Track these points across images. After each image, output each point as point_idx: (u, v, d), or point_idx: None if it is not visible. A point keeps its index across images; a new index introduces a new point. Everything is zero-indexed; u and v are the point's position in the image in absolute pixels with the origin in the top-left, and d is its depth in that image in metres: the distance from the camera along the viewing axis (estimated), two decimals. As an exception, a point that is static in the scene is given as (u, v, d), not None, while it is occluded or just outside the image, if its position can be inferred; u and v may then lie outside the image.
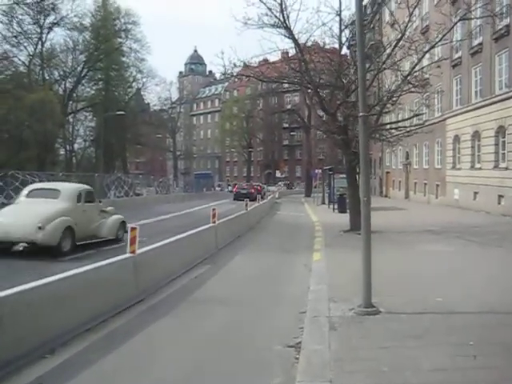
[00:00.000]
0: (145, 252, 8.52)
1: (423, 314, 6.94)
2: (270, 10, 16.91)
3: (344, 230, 18.14)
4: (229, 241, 15.49)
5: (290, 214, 30.14)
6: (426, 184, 37.61)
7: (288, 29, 17.20)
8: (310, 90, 18.63)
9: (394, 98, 17.00)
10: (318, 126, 22.63)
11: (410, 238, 16.11)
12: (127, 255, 7.94)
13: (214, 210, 14.13)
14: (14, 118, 42.56)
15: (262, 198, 36.32)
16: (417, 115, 18.03)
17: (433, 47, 16.62)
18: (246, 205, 20.69)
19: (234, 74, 18.02)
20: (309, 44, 17.83)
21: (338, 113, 17.99)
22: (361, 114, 6.99)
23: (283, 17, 16.89)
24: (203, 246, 12.78)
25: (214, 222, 13.98)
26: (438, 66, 19.79)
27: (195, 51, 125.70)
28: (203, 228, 13.29)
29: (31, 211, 12.85)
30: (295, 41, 17.31)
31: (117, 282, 7.45)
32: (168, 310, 7.66)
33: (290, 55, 19.58)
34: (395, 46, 15.96)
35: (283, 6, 16.64)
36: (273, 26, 17.33)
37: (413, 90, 17.29)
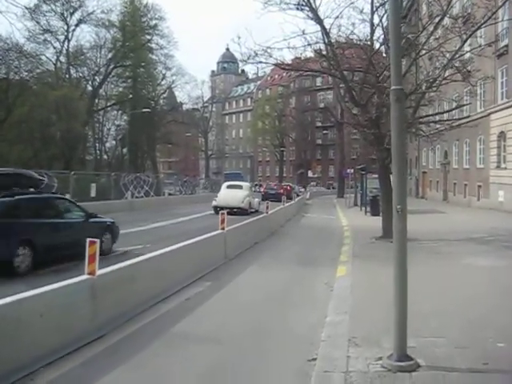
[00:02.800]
0: (112, 272, 6.67)
1: (483, 374, 4.89)
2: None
3: (376, 237, 16.08)
4: (242, 249, 13.57)
5: (319, 217, 28.09)
6: (466, 185, 35.02)
7: (313, 10, 15.20)
8: (337, 79, 16.53)
9: (434, 87, 14.81)
10: (348, 119, 20.53)
11: (451, 249, 13.89)
12: (82, 277, 6.09)
13: (222, 214, 12.22)
14: (37, 116, 41.53)
15: (288, 199, 34.40)
16: (459, 106, 15.77)
17: (479, 27, 14.35)
18: (267, 207, 18.75)
19: (254, 61, 16.00)
20: (335, 28, 15.65)
21: (369, 105, 15.90)
22: (393, 87, 4.99)
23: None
24: (207, 256, 10.90)
25: (223, 229, 12.08)
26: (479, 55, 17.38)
27: (227, 50, 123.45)
28: (208, 236, 11.42)
29: (235, 194, 27.22)
30: (321, 23, 15.28)
31: (62, 314, 5.60)
32: (131, 353, 5.75)
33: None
34: (437, 24, 13.76)
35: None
36: (296, 7, 15.36)
37: (454, 79, 15.14)
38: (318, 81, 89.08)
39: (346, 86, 16.02)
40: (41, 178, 13.19)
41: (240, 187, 29.09)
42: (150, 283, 7.77)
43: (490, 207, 28.80)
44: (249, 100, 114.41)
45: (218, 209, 24.14)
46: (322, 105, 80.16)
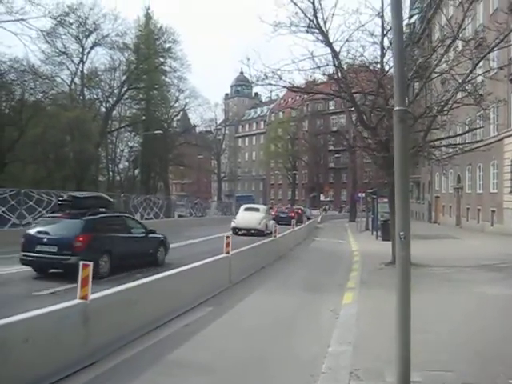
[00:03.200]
0: (106, 296, 6.44)
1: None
2: (302, 11, 14.91)
3: (385, 263, 15.73)
4: (248, 274, 13.29)
5: (329, 241, 27.71)
6: (479, 210, 34.48)
7: (323, 32, 15.11)
8: (347, 102, 16.34)
9: (445, 110, 14.56)
10: (358, 142, 20.32)
11: (463, 276, 13.49)
12: (74, 302, 5.87)
13: (227, 237, 11.98)
14: (50, 137, 41.80)
15: (299, 222, 34.10)
16: (471, 130, 15.49)
17: (491, 51, 14.14)
18: (275, 231, 18.47)
19: (264, 83, 15.88)
20: (345, 51, 15.49)
21: (379, 128, 15.68)
22: (396, 107, 4.78)
23: (316, 19, 14.84)
24: (211, 281, 10.65)
25: (228, 253, 11.83)
26: (491, 79, 17.04)
27: (241, 73, 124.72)
28: (212, 259, 11.17)
29: (252, 217, 28.79)
30: (330, 46, 15.15)
31: (51, 340, 5.36)
32: (124, 381, 5.51)
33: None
34: (448, 47, 13.55)
35: (316, 6, 14.59)
36: (306, 29, 15.29)
37: (465, 102, 14.92)
38: (331, 104, 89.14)
39: (355, 109, 15.83)
40: (111, 200, 15.38)
41: (257, 210, 30.98)
42: (148, 308, 7.53)
43: (504, 233, 28.24)
44: (262, 123, 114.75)
45: (236, 230, 28.36)
46: (334, 128, 79.96)
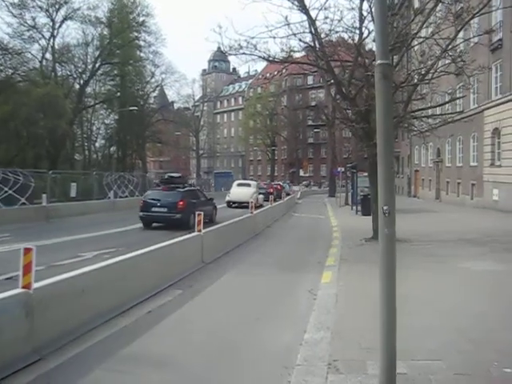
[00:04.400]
0: (53, 284, 5.73)
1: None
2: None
3: (366, 238, 15.22)
4: (222, 252, 12.64)
5: (308, 217, 27.15)
6: (459, 183, 34.20)
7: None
8: (324, 71, 15.57)
9: (427, 80, 13.93)
10: (336, 114, 19.65)
11: (446, 251, 12.99)
12: (14, 292, 5.15)
13: (199, 215, 11.28)
14: (21, 114, 40.35)
15: (278, 198, 33.58)
16: (453, 99, 14.88)
17: (474, 16, 13.47)
18: (252, 207, 17.81)
19: (237, 52, 15.04)
20: (322, 17, 14.70)
21: (358, 98, 15.01)
22: (378, 61, 4.10)
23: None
24: (181, 261, 9.99)
25: (200, 231, 11.15)
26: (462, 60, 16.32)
27: (218, 48, 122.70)
28: (183, 238, 10.50)
29: (244, 191, 31.57)
30: (307, 12, 14.31)
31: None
32: (67, 381, 4.84)
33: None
34: (430, 12, 12.82)
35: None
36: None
37: (447, 71, 14.30)
38: (310, 79, 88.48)
39: (334, 80, 15.10)
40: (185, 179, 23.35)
41: (248, 185, 34.83)
42: (105, 295, 6.83)
43: (484, 206, 28.02)
44: (240, 99, 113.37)
45: (230, 203, 31.82)
46: (313, 103, 79.12)
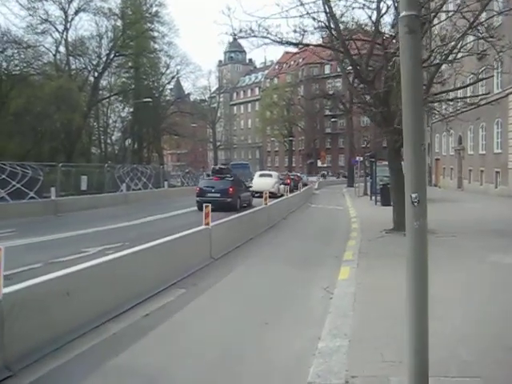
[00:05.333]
0: (28, 288, 4.99)
1: None
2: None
3: (386, 230, 14.35)
4: (233, 247, 11.87)
5: (326, 208, 26.31)
6: (482, 172, 33.01)
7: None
8: (341, 53, 14.67)
9: (450, 61, 12.97)
10: (354, 99, 18.75)
11: (473, 243, 12.08)
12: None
13: (207, 207, 10.52)
14: (34, 108, 40.00)
15: (294, 189, 32.80)
16: (479, 80, 13.86)
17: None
18: (266, 198, 17.03)
19: (247, 35, 14.24)
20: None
21: (376, 81, 14.10)
22: (403, 13, 3.28)
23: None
24: (187, 257, 9.26)
25: (208, 224, 10.40)
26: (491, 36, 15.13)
27: (234, 39, 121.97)
28: (189, 232, 9.75)
29: (266, 181, 31.88)
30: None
31: None
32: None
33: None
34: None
35: None
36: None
37: (472, 52, 13.33)
38: (327, 68, 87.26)
39: (350, 62, 14.18)
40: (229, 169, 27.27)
41: (270, 176, 36.30)
42: (97, 297, 6.11)
43: (510, 195, 26.90)
44: (257, 89, 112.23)
45: (253, 192, 30.98)
46: (330, 92, 77.82)
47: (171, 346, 5.51)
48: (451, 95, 15.01)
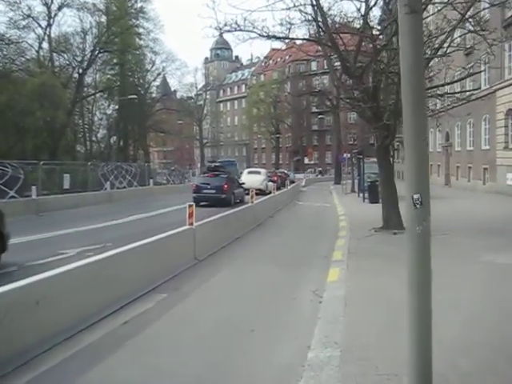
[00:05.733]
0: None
1: None
2: None
3: (375, 228, 14.04)
4: (218, 247, 11.47)
5: (313, 205, 25.97)
6: (470, 168, 32.88)
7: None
8: (328, 47, 14.31)
9: (440, 54, 12.65)
10: (342, 94, 18.41)
11: (463, 241, 11.81)
12: None
13: (190, 206, 10.10)
14: (16, 104, 39.23)
15: (281, 186, 32.52)
16: (471, 74, 13.57)
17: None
18: (252, 196, 16.65)
19: (232, 28, 13.83)
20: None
21: (364, 76, 13.76)
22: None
23: None
24: (170, 259, 8.85)
25: (191, 224, 9.99)
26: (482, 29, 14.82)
27: (220, 36, 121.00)
28: (172, 233, 9.32)
29: (255, 179, 31.51)
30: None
31: None
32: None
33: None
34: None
35: None
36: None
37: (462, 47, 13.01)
38: (314, 65, 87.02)
39: (338, 56, 13.81)
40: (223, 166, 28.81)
41: (258, 173, 36.12)
42: (71, 305, 5.69)
43: (498, 191, 26.73)
44: (243, 87, 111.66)
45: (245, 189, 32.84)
46: (317, 89, 77.57)
47: (150, 358, 5.09)
48: (441, 91, 14.68)
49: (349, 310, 6.35)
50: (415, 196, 2.86)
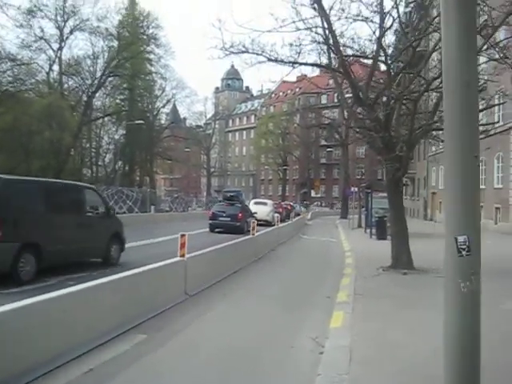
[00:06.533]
0: None
1: None
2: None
3: (383, 267, 13.07)
4: (213, 281, 10.50)
5: (318, 240, 24.99)
6: (481, 207, 31.79)
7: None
8: (339, 73, 13.60)
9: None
10: (352, 123, 17.67)
11: (487, 286, 10.82)
12: None
13: (183, 236, 9.20)
14: (22, 125, 38.89)
15: (286, 219, 31.71)
16: (491, 106, 12.75)
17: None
18: (253, 228, 15.75)
19: (238, 50, 13.19)
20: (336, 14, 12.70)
21: (376, 106, 12.99)
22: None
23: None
24: (155, 294, 7.92)
25: (183, 256, 9.09)
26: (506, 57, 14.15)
27: (232, 66, 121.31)
28: (159, 265, 8.39)
29: (261, 209, 32.09)
30: (319, 2, 12.41)
31: None
32: None
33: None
34: None
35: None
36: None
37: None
38: (324, 98, 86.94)
39: (349, 83, 13.06)
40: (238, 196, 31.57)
41: (265, 204, 36.45)
42: (27, 347, 4.80)
43: (510, 232, 25.71)
44: (252, 117, 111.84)
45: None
46: (326, 121, 77.23)
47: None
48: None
49: (355, 366, 5.40)
50: (461, 238, 2.00)
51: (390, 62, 11.80)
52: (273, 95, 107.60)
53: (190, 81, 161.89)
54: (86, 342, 5.80)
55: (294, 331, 7.15)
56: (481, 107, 13.51)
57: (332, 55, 13.50)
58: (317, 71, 14.95)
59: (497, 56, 11.28)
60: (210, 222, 25.73)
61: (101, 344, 5.97)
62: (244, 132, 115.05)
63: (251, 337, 6.88)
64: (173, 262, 8.84)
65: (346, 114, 26.41)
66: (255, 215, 30.47)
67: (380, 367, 5.40)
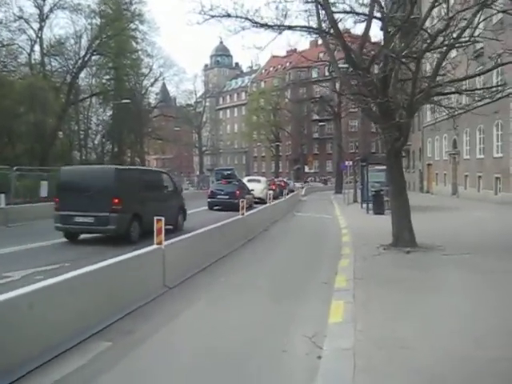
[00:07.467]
0: None
1: None
2: None
3: (384, 246, 12.09)
4: (198, 269, 9.46)
5: (313, 216, 23.96)
6: (480, 177, 30.95)
7: None
8: (329, 36, 12.41)
9: (463, 41, 10.79)
10: (346, 89, 16.56)
11: (491, 264, 9.82)
12: None
13: (158, 221, 8.12)
14: (3, 108, 37.43)
15: (280, 196, 30.76)
16: (501, 65, 11.63)
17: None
18: (243, 207, 14.70)
19: (219, 14, 12.00)
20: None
21: (372, 69, 11.87)
22: None
23: None
24: (129, 289, 6.92)
25: (160, 243, 8.04)
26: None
27: (221, 43, 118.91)
28: (134, 254, 7.39)
29: (255, 187, 31.50)
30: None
31: None
32: None
33: None
34: None
35: None
36: None
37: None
38: (314, 72, 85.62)
39: (342, 46, 11.87)
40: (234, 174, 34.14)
41: (258, 181, 36.14)
42: None
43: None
44: (243, 94, 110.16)
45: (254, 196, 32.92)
46: (318, 95, 75.78)
47: None
48: (458, 87, 12.74)
49: (360, 376, 4.40)
50: None
51: (385, 18, 10.61)
52: (263, 71, 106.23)
53: (178, 59, 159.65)
54: (42, 353, 4.78)
55: (286, 329, 6.13)
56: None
57: (322, 17, 12.29)
58: (307, 44, 13.88)
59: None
60: (209, 200, 26.56)
61: (56, 356, 4.94)
62: (235, 109, 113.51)
63: (237, 338, 5.81)
64: (148, 250, 7.78)
65: (338, 84, 25.18)
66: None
67: (391, 377, 4.40)
